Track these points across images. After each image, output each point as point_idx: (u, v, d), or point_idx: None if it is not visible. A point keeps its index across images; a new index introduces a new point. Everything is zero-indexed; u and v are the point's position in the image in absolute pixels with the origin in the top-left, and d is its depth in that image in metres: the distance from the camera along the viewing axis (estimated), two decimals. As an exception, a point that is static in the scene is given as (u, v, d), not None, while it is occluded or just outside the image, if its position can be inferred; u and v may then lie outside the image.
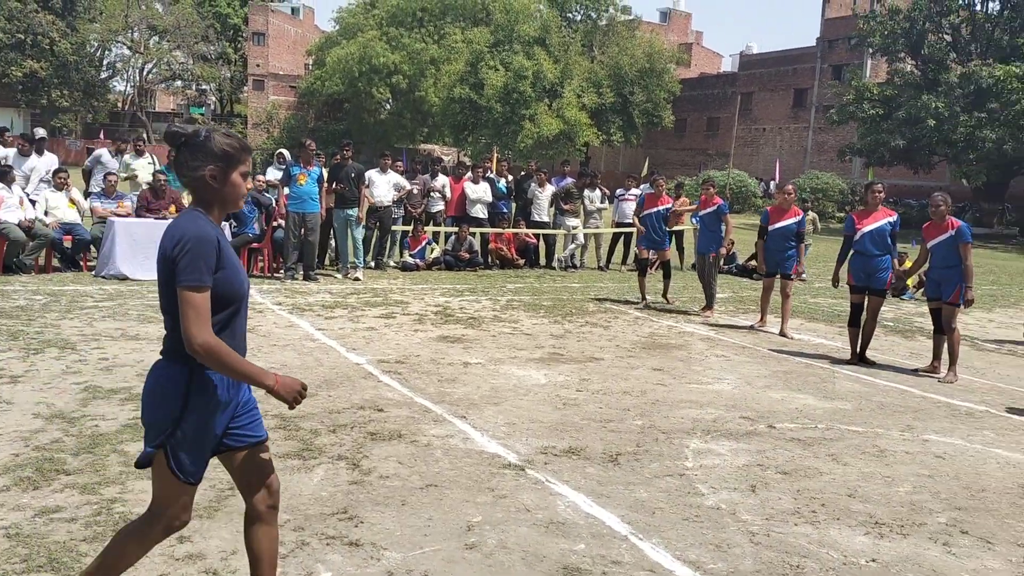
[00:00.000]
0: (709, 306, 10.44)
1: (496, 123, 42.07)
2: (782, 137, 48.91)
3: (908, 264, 13.70)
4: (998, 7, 33.77)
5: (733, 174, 38.57)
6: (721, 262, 11.48)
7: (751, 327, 9.63)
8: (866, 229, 8.04)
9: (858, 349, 8.05)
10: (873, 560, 3.67)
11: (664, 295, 11.21)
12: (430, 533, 3.68)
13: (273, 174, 13.21)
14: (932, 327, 7.92)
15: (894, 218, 8.12)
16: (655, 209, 10.87)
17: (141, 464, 2.53)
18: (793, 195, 9.61)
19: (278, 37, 62.67)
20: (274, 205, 12.01)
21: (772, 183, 38.97)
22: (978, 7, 34.06)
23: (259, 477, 2.72)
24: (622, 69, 43.63)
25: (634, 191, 15.71)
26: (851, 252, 8.13)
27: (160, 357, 2.54)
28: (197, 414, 2.49)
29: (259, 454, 2.71)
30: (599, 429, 5.38)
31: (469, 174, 14.59)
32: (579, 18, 48.05)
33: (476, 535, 3.69)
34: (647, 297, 10.99)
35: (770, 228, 9.42)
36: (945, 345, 7.63)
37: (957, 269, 7.49)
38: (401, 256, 13.74)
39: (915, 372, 7.79)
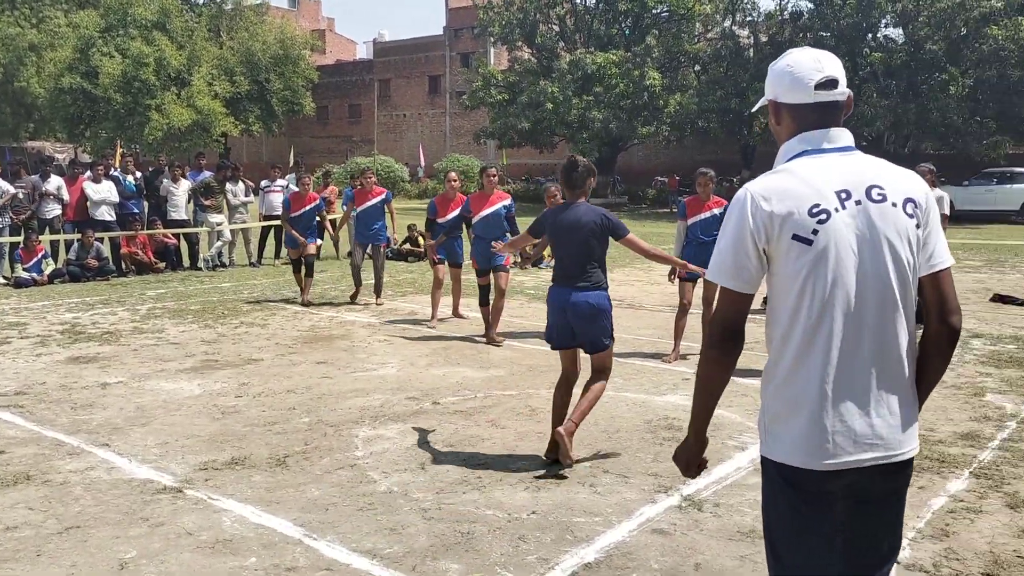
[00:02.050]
0: (378, 294, 10.41)
1: (118, 115, 38.18)
2: (422, 122, 50.78)
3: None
4: (594, 1, 38.03)
5: (380, 159, 39.27)
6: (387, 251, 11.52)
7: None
8: (482, 214, 8.16)
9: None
10: (533, 512, 3.97)
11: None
12: (74, 583, 3.25)
13: None
14: None
15: (508, 201, 8.28)
16: (312, 204, 10.63)
17: (601, 350, 4.62)
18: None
19: None
20: None
21: (419, 168, 40.38)
22: (579, 0, 38.06)
23: None
24: (255, 56, 41.90)
25: (280, 182, 15.27)
26: (474, 236, 8.27)
27: (582, 290, 4.54)
28: None
29: None
30: (264, 433, 5.16)
31: (88, 172, 13.10)
32: (203, 2, 45.26)
33: (131, 572, 3.33)
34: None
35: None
36: None
37: None
38: (12, 271, 11.93)
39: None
